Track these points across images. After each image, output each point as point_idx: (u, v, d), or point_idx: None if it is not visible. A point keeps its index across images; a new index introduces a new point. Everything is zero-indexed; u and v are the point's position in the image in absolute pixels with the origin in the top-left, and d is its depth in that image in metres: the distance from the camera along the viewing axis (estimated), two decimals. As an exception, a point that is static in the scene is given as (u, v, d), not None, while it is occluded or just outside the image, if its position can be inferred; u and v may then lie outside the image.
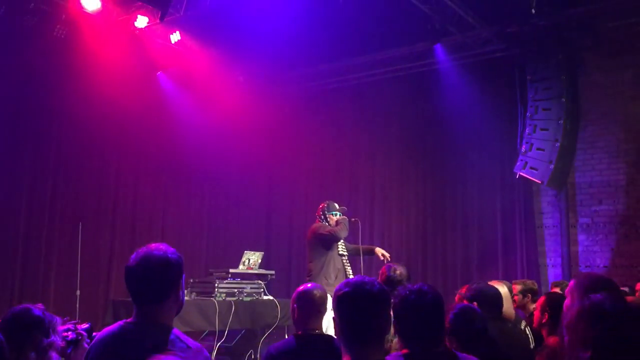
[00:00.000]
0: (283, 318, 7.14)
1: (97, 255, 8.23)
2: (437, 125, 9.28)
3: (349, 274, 6.41)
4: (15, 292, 7.36)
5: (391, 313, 2.28)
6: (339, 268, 6.46)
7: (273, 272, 7.90)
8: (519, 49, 8.10)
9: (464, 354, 2.45)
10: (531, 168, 7.72)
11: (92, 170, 8.43)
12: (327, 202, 6.82)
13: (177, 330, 2.21)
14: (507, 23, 8.03)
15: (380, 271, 4.61)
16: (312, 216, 6.94)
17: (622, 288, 4.99)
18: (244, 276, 7.38)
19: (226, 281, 7.05)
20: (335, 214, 6.66)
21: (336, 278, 6.27)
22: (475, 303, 3.58)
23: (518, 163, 7.84)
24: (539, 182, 7.84)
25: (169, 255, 2.24)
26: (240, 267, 7.40)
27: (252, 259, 7.51)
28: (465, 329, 3.02)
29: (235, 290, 7.08)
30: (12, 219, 7.53)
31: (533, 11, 7.30)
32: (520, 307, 5.64)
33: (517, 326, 4.33)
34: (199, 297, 6.87)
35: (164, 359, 1.93)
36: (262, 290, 7.42)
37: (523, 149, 7.81)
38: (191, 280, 7.10)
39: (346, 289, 2.16)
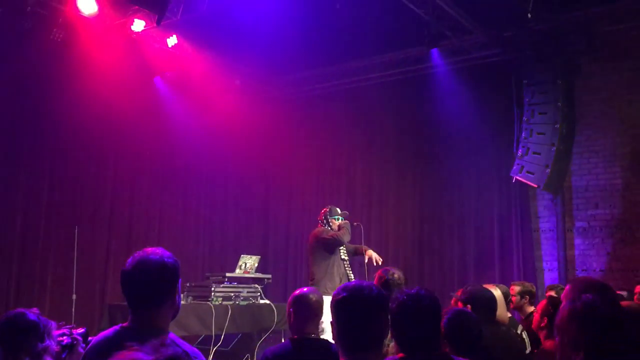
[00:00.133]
0: (279, 322, 7.14)
1: (93, 260, 8.21)
2: (434, 129, 9.28)
3: (351, 278, 6.41)
4: (11, 296, 7.34)
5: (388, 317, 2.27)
6: (342, 272, 6.47)
7: (269, 276, 7.91)
8: (515, 53, 8.12)
9: (460, 358, 2.44)
10: (527, 172, 7.72)
11: (89, 174, 8.43)
12: (329, 206, 6.84)
13: (174, 335, 2.20)
14: (504, 27, 8.07)
15: (378, 274, 4.55)
16: (309, 220, 6.95)
17: (618, 292, 4.99)
18: (240, 280, 7.38)
19: (223, 285, 7.05)
20: (338, 219, 6.67)
21: (340, 282, 6.26)
22: (469, 306, 3.58)
23: (514, 167, 7.84)
24: (535, 186, 7.84)
25: (166, 260, 2.23)
26: (237, 271, 7.39)
27: (248, 263, 7.51)
28: (459, 334, 3.02)
29: (232, 294, 7.08)
30: (8, 223, 7.52)
31: (529, 15, 7.30)
32: (517, 308, 5.62)
33: (511, 330, 4.32)
34: (195, 301, 6.86)
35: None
36: (259, 294, 7.42)
37: (519, 153, 7.81)
38: (187, 284, 7.09)
39: (344, 294, 2.15)
